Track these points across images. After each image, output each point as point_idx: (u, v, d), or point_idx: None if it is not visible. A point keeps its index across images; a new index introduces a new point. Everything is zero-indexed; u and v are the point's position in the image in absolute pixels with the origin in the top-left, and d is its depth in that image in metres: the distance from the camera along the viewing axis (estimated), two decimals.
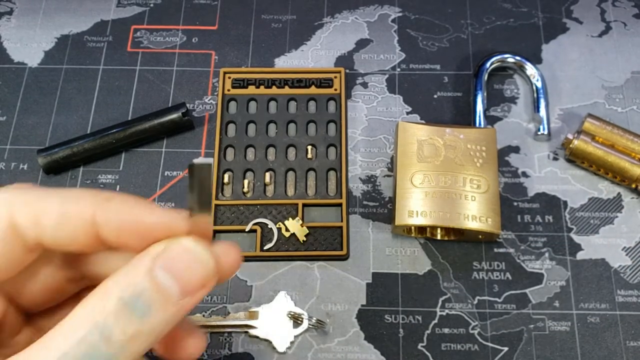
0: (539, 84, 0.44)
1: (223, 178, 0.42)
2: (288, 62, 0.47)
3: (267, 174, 0.42)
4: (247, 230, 0.40)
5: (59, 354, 0.18)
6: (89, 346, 0.18)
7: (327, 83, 0.45)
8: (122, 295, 0.18)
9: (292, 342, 0.38)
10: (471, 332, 0.38)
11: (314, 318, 0.38)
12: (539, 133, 0.43)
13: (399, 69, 0.46)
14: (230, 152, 0.43)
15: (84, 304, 0.18)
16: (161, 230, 0.20)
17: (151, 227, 0.20)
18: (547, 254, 0.40)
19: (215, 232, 0.41)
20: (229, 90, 0.45)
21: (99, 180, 0.43)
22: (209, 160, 0.20)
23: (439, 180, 0.39)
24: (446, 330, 0.38)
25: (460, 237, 0.40)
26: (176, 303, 0.19)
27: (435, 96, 0.45)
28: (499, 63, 0.45)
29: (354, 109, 0.45)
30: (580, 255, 0.40)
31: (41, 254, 0.21)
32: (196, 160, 0.19)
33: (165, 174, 0.43)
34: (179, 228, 0.20)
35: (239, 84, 0.45)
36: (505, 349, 0.38)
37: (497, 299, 0.39)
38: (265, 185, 0.42)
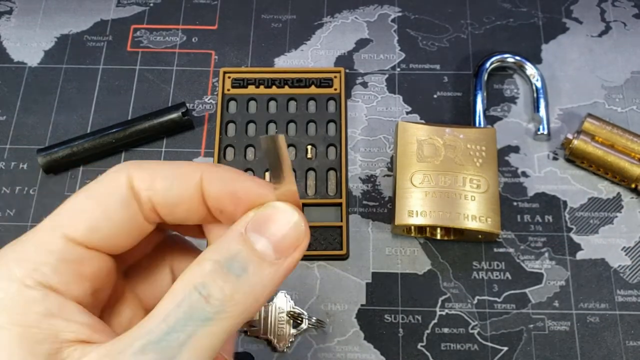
0: (539, 84, 0.44)
1: None
2: (288, 61, 0.47)
3: (267, 174, 0.42)
4: None
5: (162, 318, 0.18)
6: (188, 307, 0.18)
7: (327, 83, 0.45)
8: (218, 258, 0.19)
9: (291, 342, 0.38)
10: (471, 331, 0.38)
11: (314, 318, 0.38)
12: (539, 133, 0.43)
13: (398, 69, 0.46)
14: (230, 152, 0.43)
15: (183, 273, 0.19)
16: (256, 197, 0.21)
17: (248, 193, 0.21)
18: (546, 254, 0.40)
19: None
20: (228, 90, 0.45)
21: None
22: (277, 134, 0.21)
23: (438, 180, 0.39)
24: (446, 330, 0.38)
25: (460, 237, 0.40)
26: (273, 263, 0.20)
27: (435, 96, 0.45)
28: (498, 63, 0.45)
29: (353, 109, 0.45)
30: (579, 255, 0.40)
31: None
32: (263, 137, 0.20)
33: None
34: (271, 196, 0.21)
35: (239, 83, 0.45)
36: (505, 348, 0.38)
37: (496, 299, 0.39)
38: None
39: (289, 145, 0.43)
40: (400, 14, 0.48)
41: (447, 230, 0.40)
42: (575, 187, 0.42)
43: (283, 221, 0.20)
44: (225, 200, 0.21)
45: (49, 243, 0.19)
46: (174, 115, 0.43)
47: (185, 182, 0.21)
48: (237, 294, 0.19)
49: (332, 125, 0.44)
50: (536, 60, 0.46)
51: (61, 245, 0.19)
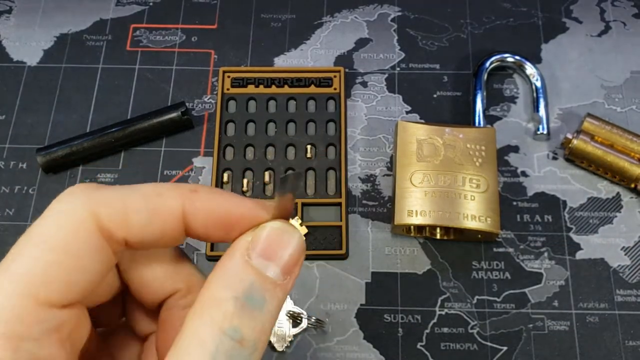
0: (539, 84, 0.44)
1: (222, 177, 0.42)
2: (287, 61, 0.47)
3: (267, 173, 0.42)
4: None
5: None
6: (226, 355, 0.18)
7: (327, 82, 0.45)
8: (235, 295, 0.18)
9: (291, 342, 0.38)
10: (470, 331, 0.38)
11: (313, 317, 0.38)
12: (539, 133, 0.43)
13: (398, 69, 0.46)
14: (229, 151, 0.43)
15: (196, 318, 0.18)
16: (250, 219, 0.20)
17: (241, 217, 0.20)
18: (546, 254, 0.40)
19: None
20: (228, 89, 0.45)
21: (98, 179, 0.43)
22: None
23: (438, 180, 0.39)
24: (445, 330, 0.38)
25: (459, 236, 0.40)
26: (282, 284, 0.19)
27: (435, 96, 0.45)
28: (498, 63, 0.45)
29: (353, 108, 0.45)
30: (579, 255, 0.40)
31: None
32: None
33: (165, 173, 0.43)
34: (263, 216, 0.20)
35: (239, 83, 0.45)
36: (504, 348, 0.38)
37: (496, 299, 0.39)
38: (264, 184, 0.42)
39: (289, 145, 0.43)
40: (400, 14, 0.48)
41: (446, 229, 0.40)
42: (574, 187, 0.42)
43: (286, 242, 0.20)
44: (213, 228, 0.20)
45: (26, 314, 0.17)
46: (173, 115, 0.43)
47: (164, 216, 0.19)
48: (264, 326, 0.18)
49: (331, 125, 0.44)
50: (536, 60, 0.46)
51: (40, 315, 0.17)
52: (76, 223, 0.18)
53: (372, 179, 0.43)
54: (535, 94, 0.44)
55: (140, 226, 0.19)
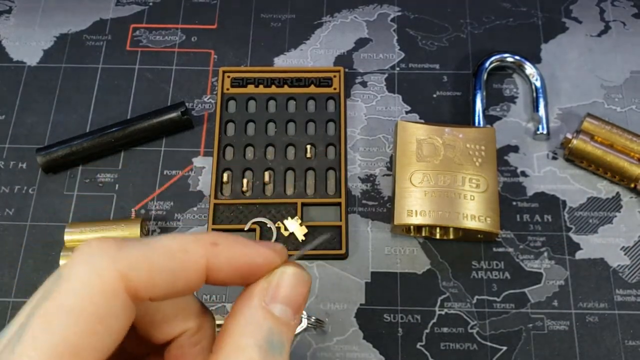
0: (538, 84, 0.44)
1: (222, 177, 0.42)
2: (287, 61, 0.47)
3: (267, 173, 0.42)
4: (246, 229, 0.40)
5: None
6: None
7: (327, 82, 0.45)
8: (258, 343, 0.19)
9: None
10: (470, 331, 0.38)
11: (313, 317, 0.38)
12: (538, 132, 0.43)
13: (398, 68, 0.46)
14: (229, 151, 0.43)
15: None
16: (264, 267, 0.21)
17: (256, 267, 0.21)
18: (546, 254, 0.40)
19: (214, 231, 0.41)
20: (228, 89, 0.45)
21: (98, 179, 0.43)
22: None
23: (438, 180, 0.39)
24: (445, 330, 0.38)
25: (459, 236, 0.40)
26: (294, 323, 0.21)
27: (435, 95, 0.45)
28: (498, 62, 0.45)
29: (353, 108, 0.45)
30: (579, 255, 0.40)
31: None
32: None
33: (165, 172, 0.43)
34: (277, 262, 0.21)
35: (238, 83, 0.45)
36: (504, 348, 0.38)
37: (496, 299, 0.39)
38: (264, 184, 0.42)
39: (288, 145, 0.43)
40: (399, 14, 0.48)
41: (446, 229, 0.40)
42: (574, 187, 0.42)
43: (298, 285, 0.21)
44: (233, 277, 0.21)
45: None
46: (173, 115, 0.43)
47: (190, 273, 0.19)
48: None
49: (331, 125, 0.44)
50: (535, 59, 0.46)
51: None
52: (105, 288, 0.17)
53: (371, 178, 0.43)
54: (535, 94, 0.44)
55: (166, 284, 0.19)
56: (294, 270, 0.21)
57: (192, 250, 0.19)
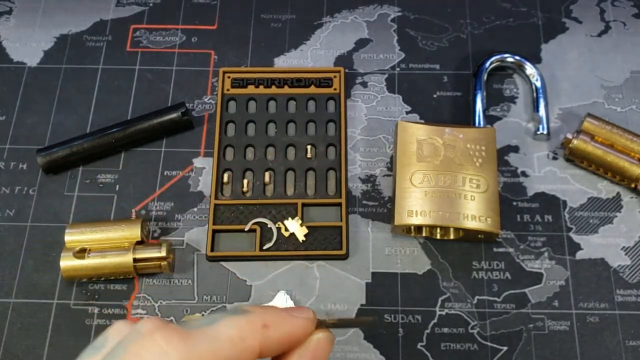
0: (538, 84, 0.44)
1: (222, 178, 0.42)
2: (287, 61, 0.47)
3: (267, 174, 0.42)
4: (246, 229, 0.40)
5: None
6: None
7: (327, 83, 0.45)
8: None
9: None
10: (470, 331, 0.38)
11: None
12: (539, 133, 0.43)
13: (398, 69, 0.46)
14: (229, 152, 0.43)
15: None
16: (303, 337, 0.24)
17: (297, 339, 0.24)
18: (546, 254, 0.40)
19: (215, 231, 0.41)
20: (228, 89, 0.45)
21: (98, 180, 0.43)
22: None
23: (438, 180, 0.39)
24: (445, 330, 0.38)
25: (459, 236, 0.40)
26: None
27: (435, 96, 0.45)
28: (498, 63, 0.45)
29: (353, 109, 0.45)
30: (579, 255, 0.40)
31: None
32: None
33: (165, 173, 0.43)
34: (312, 328, 0.24)
35: (239, 83, 0.45)
36: (505, 348, 0.38)
37: (496, 299, 0.39)
38: (264, 184, 0.42)
39: (289, 145, 0.43)
40: (399, 14, 0.48)
41: (446, 230, 0.40)
42: (574, 187, 0.42)
43: (327, 347, 0.24)
44: (277, 352, 0.23)
45: None
46: (173, 115, 0.43)
47: (246, 357, 0.21)
48: None
49: (331, 125, 0.44)
50: (536, 60, 0.46)
51: None
52: None
53: (372, 179, 0.43)
54: (535, 94, 0.44)
55: None
56: (324, 335, 0.24)
57: (249, 337, 0.21)
